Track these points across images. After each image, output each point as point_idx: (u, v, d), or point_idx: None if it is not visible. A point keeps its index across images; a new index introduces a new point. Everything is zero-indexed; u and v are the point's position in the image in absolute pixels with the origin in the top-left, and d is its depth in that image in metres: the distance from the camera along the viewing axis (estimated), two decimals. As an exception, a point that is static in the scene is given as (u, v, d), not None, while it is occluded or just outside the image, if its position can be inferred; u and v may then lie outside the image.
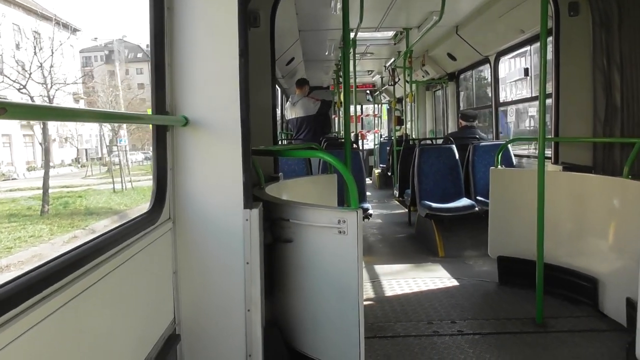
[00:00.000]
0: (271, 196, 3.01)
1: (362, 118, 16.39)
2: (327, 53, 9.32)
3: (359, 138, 11.77)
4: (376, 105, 15.85)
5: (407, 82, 8.62)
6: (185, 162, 2.37)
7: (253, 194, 2.48)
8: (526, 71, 6.70)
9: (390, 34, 8.25)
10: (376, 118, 15.69)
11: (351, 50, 7.76)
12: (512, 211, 4.32)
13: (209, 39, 2.33)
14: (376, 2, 6.00)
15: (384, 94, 15.13)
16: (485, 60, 7.31)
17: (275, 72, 4.34)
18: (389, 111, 16.27)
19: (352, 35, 7.20)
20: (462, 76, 9.04)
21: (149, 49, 2.41)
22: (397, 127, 11.06)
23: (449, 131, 9.91)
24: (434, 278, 4.66)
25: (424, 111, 11.24)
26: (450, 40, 7.65)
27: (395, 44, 8.60)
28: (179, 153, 2.37)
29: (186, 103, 2.34)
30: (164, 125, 2.36)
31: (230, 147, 2.34)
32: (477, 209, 5.69)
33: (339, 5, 5.75)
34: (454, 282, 4.52)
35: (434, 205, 5.79)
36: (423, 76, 9.91)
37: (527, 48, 6.15)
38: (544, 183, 3.48)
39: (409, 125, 10.69)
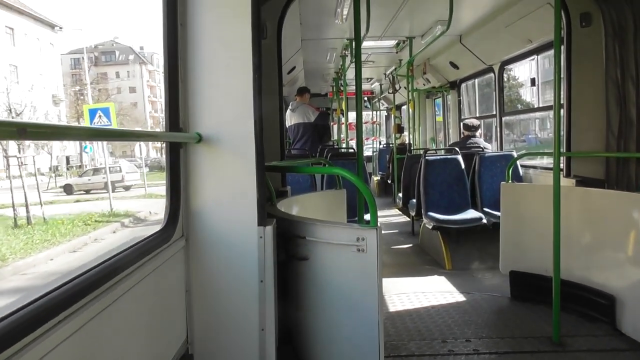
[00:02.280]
0: (284, 213, 2.95)
1: None
2: (327, 61, 9.27)
3: None
4: (374, 112, 15.81)
5: (408, 90, 8.60)
6: (199, 179, 2.33)
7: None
8: (533, 81, 6.63)
9: (392, 42, 8.20)
10: (375, 125, 15.65)
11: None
12: (524, 226, 4.24)
13: (223, 54, 2.29)
14: (381, 11, 5.95)
15: (382, 101, 15.10)
16: (489, 70, 7.26)
17: (282, 83, 4.27)
18: (387, 118, 16.25)
19: (368, 44, 7.16)
20: (465, 84, 8.99)
21: (163, 65, 2.35)
22: (397, 135, 11.02)
23: (450, 139, 9.88)
24: (444, 292, 4.56)
25: (424, 119, 11.20)
26: (453, 49, 7.61)
27: (397, 52, 8.55)
28: (192, 170, 2.33)
29: (200, 119, 2.30)
30: (178, 142, 2.31)
31: (243, 164, 2.30)
32: (484, 221, 5.62)
33: (344, 15, 5.69)
34: (464, 297, 4.43)
35: (442, 217, 5.71)
36: (424, 84, 9.87)
37: (534, 57, 6.09)
38: (559, 199, 3.41)
39: (407, 134, 10.65)
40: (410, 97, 8.74)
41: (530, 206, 4.20)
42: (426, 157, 6.22)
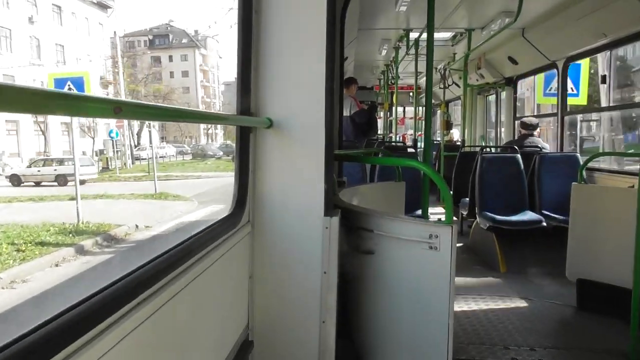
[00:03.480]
0: (349, 204, 2.88)
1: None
2: (379, 52, 9.08)
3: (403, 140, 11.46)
4: (420, 108, 15.49)
5: (459, 86, 8.32)
6: (267, 164, 2.31)
7: None
8: (603, 78, 6.24)
9: (448, 35, 7.93)
10: (420, 121, 15.33)
11: (412, 51, 7.52)
12: (597, 231, 3.96)
13: (296, 41, 2.28)
14: (441, 0, 5.73)
15: None
16: (551, 66, 6.90)
17: (343, 73, 4.16)
18: (433, 114, 15.86)
19: (415, 35, 6.97)
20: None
21: (237, 50, 2.34)
22: (445, 132, 10.74)
23: (502, 138, 9.53)
24: (502, 296, 4.36)
25: (475, 116, 10.85)
26: (513, 42, 7.28)
27: (452, 45, 8.27)
28: (261, 155, 2.32)
29: (270, 104, 2.29)
30: (248, 126, 2.31)
31: (312, 151, 2.26)
32: (544, 224, 5.34)
33: (403, 5, 5.51)
34: (523, 302, 4.21)
35: (498, 217, 5.46)
36: (477, 80, 9.53)
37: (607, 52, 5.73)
38: None
39: (458, 130, 10.32)
40: (464, 93, 8.47)
41: (606, 210, 3.91)
42: (483, 155, 5.97)
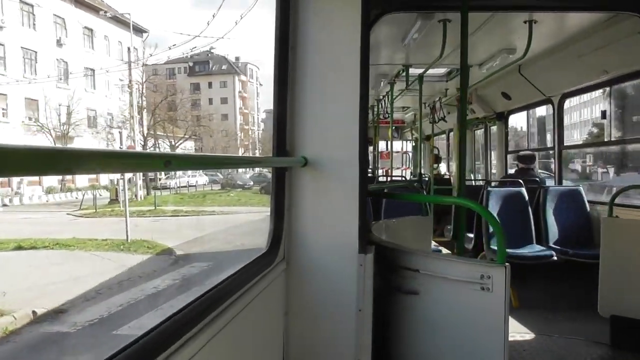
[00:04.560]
0: (386, 240, 2.79)
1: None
2: (372, 87, 9.16)
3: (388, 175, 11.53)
4: (404, 142, 15.71)
5: (446, 121, 8.44)
6: (302, 202, 2.32)
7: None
8: (603, 114, 6.41)
9: (443, 70, 8.08)
10: (405, 155, 15.54)
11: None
12: (632, 266, 3.92)
13: (331, 78, 2.29)
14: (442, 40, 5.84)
15: (413, 131, 14.99)
16: (546, 101, 7.07)
17: (368, 107, 4.12)
18: (414, 148, 16.13)
19: (419, 71, 7.06)
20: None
21: (273, 88, 2.35)
22: (435, 166, 10.86)
23: (492, 172, 9.66)
24: (531, 333, 4.24)
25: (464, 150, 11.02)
26: (508, 79, 7.44)
27: (447, 81, 8.42)
28: (296, 193, 2.33)
29: (305, 143, 2.31)
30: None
31: (347, 189, 2.27)
32: (555, 257, 5.31)
33: (413, 39, 5.57)
34: (553, 340, 4.10)
35: (509, 252, 5.40)
36: (468, 114, 9.70)
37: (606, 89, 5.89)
38: None
39: (444, 164, 10.42)
40: (457, 128, 8.58)
41: (638, 244, 3.88)
42: (488, 189, 5.97)
